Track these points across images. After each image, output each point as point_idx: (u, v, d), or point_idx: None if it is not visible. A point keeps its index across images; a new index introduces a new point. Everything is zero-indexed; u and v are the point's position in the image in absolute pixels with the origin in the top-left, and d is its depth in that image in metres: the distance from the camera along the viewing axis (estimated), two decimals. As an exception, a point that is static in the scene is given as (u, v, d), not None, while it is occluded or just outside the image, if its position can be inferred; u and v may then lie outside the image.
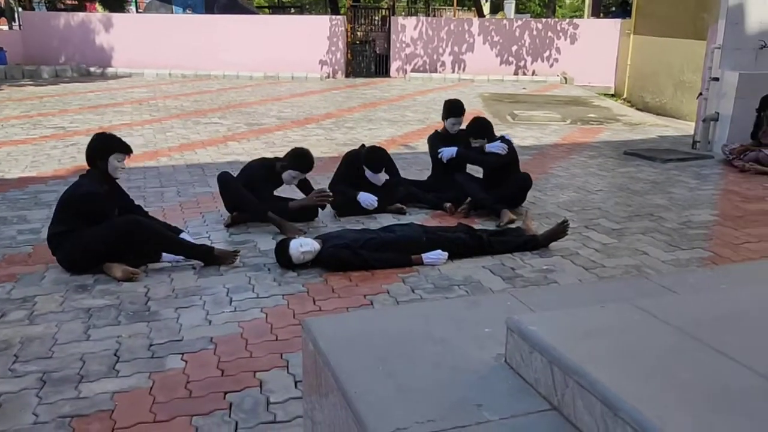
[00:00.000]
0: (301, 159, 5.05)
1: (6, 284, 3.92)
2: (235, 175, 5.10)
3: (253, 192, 4.94)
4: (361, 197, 5.28)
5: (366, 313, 3.22)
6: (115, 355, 3.09)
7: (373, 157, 5.40)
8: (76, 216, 4.07)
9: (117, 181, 4.39)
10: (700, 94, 8.79)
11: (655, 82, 13.94)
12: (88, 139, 4.38)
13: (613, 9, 24.12)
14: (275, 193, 5.25)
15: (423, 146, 6.56)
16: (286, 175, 5.05)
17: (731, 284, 2.57)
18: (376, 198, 5.30)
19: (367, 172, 5.37)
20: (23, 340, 3.23)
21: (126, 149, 4.28)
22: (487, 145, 5.49)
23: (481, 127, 5.58)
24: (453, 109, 5.74)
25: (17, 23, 18.10)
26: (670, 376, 1.58)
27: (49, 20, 17.81)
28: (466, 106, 5.98)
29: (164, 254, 4.22)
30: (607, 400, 1.46)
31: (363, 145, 5.61)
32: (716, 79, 8.26)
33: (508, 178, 5.46)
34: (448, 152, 5.63)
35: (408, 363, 1.89)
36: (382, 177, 5.38)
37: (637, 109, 13.88)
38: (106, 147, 4.22)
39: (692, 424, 1.39)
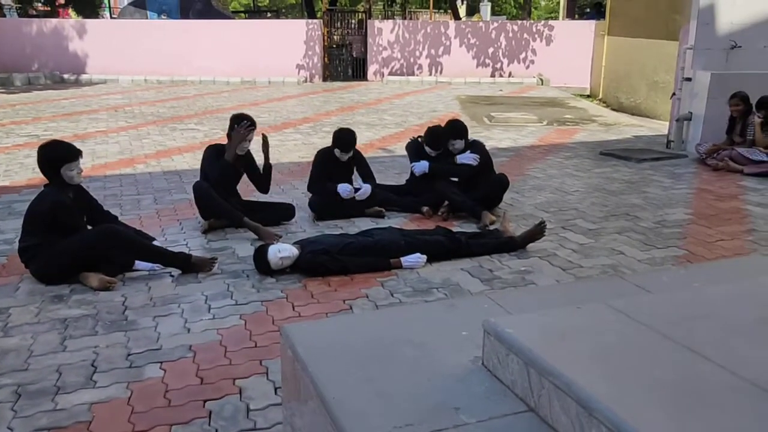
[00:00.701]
0: (235, 117, 5.13)
1: (-20, 296, 3.86)
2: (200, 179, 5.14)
3: (208, 178, 5.00)
4: (340, 188, 5.33)
5: (344, 318, 3.22)
6: (92, 365, 3.06)
7: (343, 136, 5.45)
8: (44, 228, 4.00)
9: (83, 185, 4.32)
10: (674, 94, 8.91)
11: (629, 83, 14.10)
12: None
13: (588, 10, 24.38)
14: (246, 198, 5.36)
15: (401, 150, 6.57)
16: (235, 136, 5.05)
17: (704, 282, 2.61)
18: (351, 188, 5.38)
19: (336, 152, 5.42)
20: (-2, 353, 3.19)
21: (73, 156, 4.06)
22: (458, 157, 5.56)
23: (459, 129, 5.64)
24: (433, 140, 5.68)
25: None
26: (644, 375, 1.61)
27: (21, 27, 17.58)
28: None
29: (138, 262, 4.19)
30: (582, 401, 1.48)
31: (333, 142, 5.64)
32: (689, 79, 8.38)
33: (483, 181, 5.52)
34: (420, 168, 5.64)
35: (386, 368, 1.90)
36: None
37: (612, 109, 14.03)
38: (52, 163, 4.03)
39: (666, 421, 1.42)
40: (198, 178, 5.16)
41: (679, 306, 2.09)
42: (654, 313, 1.98)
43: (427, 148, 5.72)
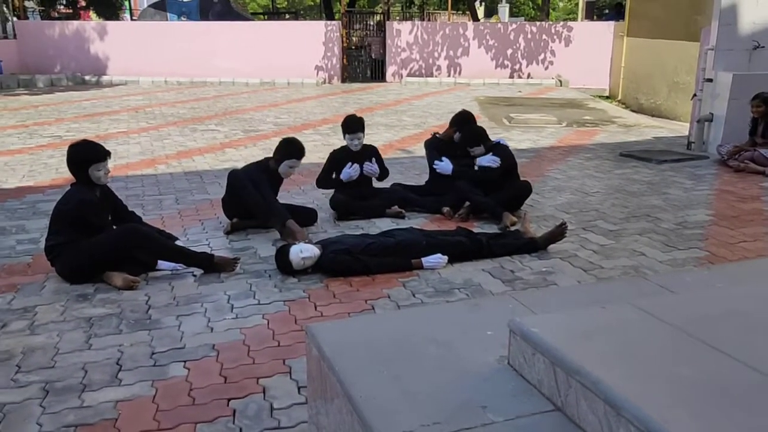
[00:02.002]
0: (290, 146, 5.12)
1: (6, 294, 3.92)
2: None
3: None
4: (343, 174, 5.48)
5: (369, 317, 3.23)
6: (117, 363, 3.10)
7: (346, 119, 5.57)
8: (71, 226, 4.05)
9: (109, 185, 4.38)
10: (694, 95, 8.83)
11: (649, 84, 14.00)
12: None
13: (607, 11, 24.25)
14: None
15: (421, 150, 6.57)
16: (283, 167, 5.10)
17: (727, 283, 2.59)
18: (358, 167, 5.48)
19: (347, 140, 5.53)
20: (25, 350, 3.24)
21: (101, 156, 4.13)
22: (478, 160, 5.56)
23: (475, 135, 5.63)
24: (460, 122, 5.79)
25: (12, 33, 18.11)
26: (671, 374, 1.61)
27: (44, 29, 17.83)
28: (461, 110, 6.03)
29: (161, 262, 4.22)
30: (610, 400, 1.48)
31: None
32: (710, 80, 8.30)
33: (507, 184, 5.49)
34: (443, 168, 5.63)
35: (412, 366, 1.90)
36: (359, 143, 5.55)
37: (632, 110, 13.93)
38: (80, 163, 4.10)
39: (693, 420, 1.42)
40: (218, 179, 5.19)
41: (704, 305, 2.08)
42: (678, 313, 1.97)
43: (456, 134, 5.77)
